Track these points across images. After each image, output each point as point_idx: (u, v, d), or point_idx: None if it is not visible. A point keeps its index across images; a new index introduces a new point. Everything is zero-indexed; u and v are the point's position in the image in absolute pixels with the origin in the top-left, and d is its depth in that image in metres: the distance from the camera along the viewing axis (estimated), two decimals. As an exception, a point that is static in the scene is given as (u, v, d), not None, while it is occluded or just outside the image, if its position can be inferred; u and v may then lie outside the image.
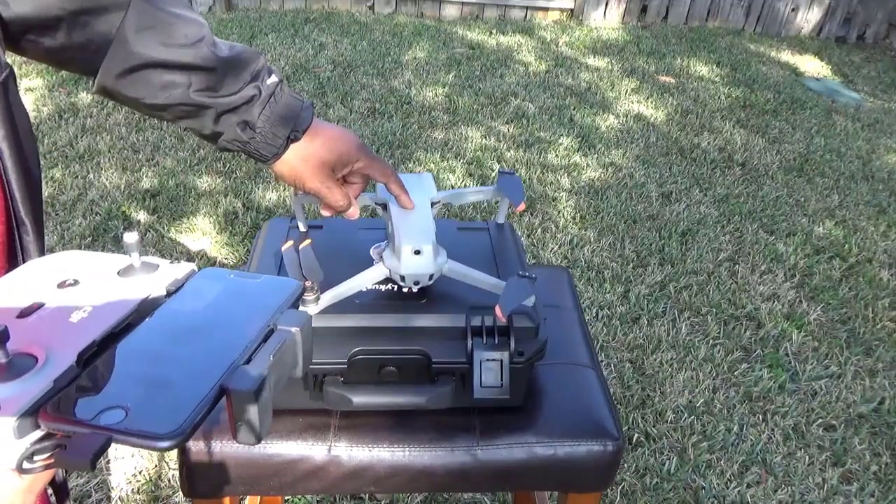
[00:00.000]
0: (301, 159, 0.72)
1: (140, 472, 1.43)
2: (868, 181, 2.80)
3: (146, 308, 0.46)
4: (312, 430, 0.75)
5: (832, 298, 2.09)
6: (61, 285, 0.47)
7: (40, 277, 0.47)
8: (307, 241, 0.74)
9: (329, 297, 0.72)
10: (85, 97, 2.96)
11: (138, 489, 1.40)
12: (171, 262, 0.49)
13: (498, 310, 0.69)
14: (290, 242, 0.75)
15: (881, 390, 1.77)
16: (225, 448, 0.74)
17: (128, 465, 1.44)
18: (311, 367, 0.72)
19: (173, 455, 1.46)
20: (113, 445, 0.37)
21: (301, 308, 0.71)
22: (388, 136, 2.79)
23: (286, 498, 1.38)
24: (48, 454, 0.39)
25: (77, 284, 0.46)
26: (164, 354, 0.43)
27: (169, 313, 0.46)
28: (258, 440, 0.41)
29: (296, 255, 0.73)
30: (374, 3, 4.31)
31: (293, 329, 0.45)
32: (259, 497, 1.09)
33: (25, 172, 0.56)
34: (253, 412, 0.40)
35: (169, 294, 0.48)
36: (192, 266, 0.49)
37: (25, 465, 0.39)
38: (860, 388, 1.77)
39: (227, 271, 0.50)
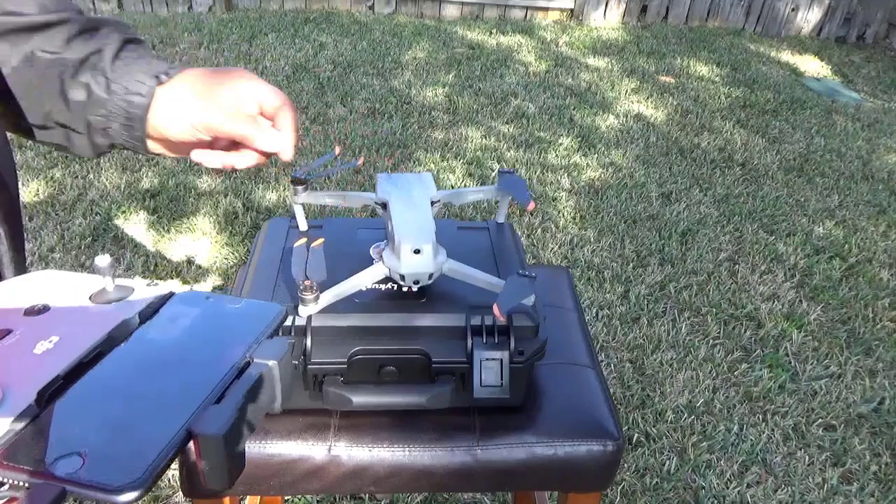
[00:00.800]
0: (180, 98, 0.59)
1: (140, 472, 1.43)
2: (868, 181, 2.80)
3: (118, 336, 0.43)
4: (312, 430, 0.75)
5: (832, 298, 2.09)
6: (29, 312, 0.44)
7: (10, 301, 0.45)
8: (319, 241, 0.74)
9: (329, 296, 0.72)
10: (85, 97, 2.96)
11: (138, 489, 1.40)
12: (149, 284, 0.47)
13: (496, 308, 0.69)
14: (304, 239, 0.75)
15: (881, 390, 1.77)
16: (225, 448, 0.73)
17: (128, 465, 1.44)
18: (311, 366, 0.72)
19: (173, 455, 1.46)
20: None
21: (301, 307, 0.71)
22: (388, 136, 2.79)
23: (286, 498, 1.38)
24: (7, 498, 0.36)
25: (46, 311, 0.44)
26: (130, 390, 0.40)
27: (140, 342, 0.44)
28: (229, 486, 0.39)
29: (305, 253, 0.73)
30: (374, 3, 4.31)
31: (270, 363, 0.42)
32: (259, 497, 1.09)
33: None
34: (222, 457, 0.38)
35: (143, 320, 0.45)
36: (170, 289, 0.47)
37: None
38: (860, 388, 1.77)
39: (206, 294, 0.48)
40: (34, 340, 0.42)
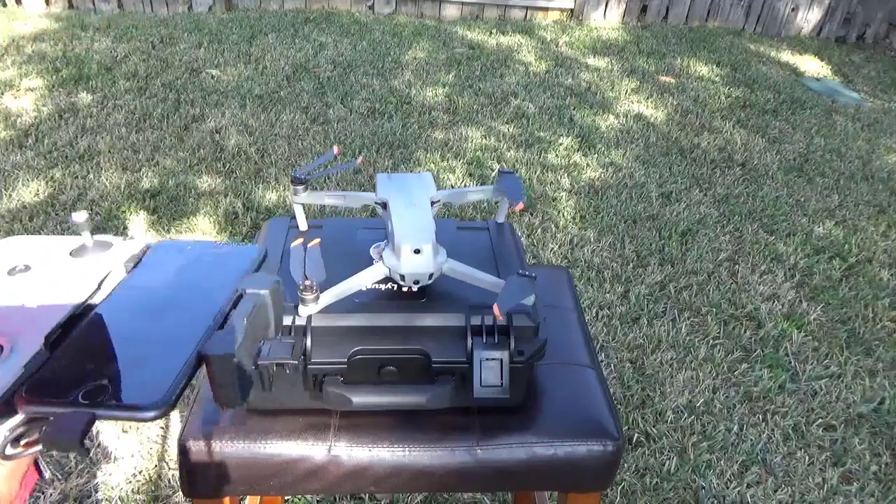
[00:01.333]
0: None
1: (140, 472, 1.43)
2: (868, 181, 2.80)
3: (108, 285, 0.45)
4: (312, 430, 0.75)
5: (832, 298, 2.09)
6: (11, 272, 0.45)
7: None
8: (316, 241, 0.74)
9: (329, 296, 0.72)
10: (85, 97, 2.96)
11: (138, 489, 1.40)
12: (125, 239, 0.49)
13: (496, 308, 0.69)
14: (300, 240, 0.75)
15: (881, 390, 1.77)
16: (225, 448, 0.74)
17: (128, 465, 1.44)
18: (311, 366, 0.72)
19: (173, 455, 1.46)
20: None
21: (301, 307, 0.71)
22: (388, 136, 2.79)
23: (286, 498, 1.38)
24: (32, 438, 0.38)
25: (29, 270, 0.45)
26: (134, 329, 0.42)
27: (132, 289, 0.45)
28: (242, 402, 0.41)
29: (302, 253, 0.73)
30: (374, 3, 4.31)
31: (262, 291, 0.45)
32: (259, 497, 1.09)
33: None
34: (233, 375, 0.40)
35: (128, 270, 0.47)
36: (147, 240, 0.49)
37: (9, 450, 0.38)
38: (860, 388, 1.77)
39: (187, 242, 0.50)
40: (27, 296, 0.43)
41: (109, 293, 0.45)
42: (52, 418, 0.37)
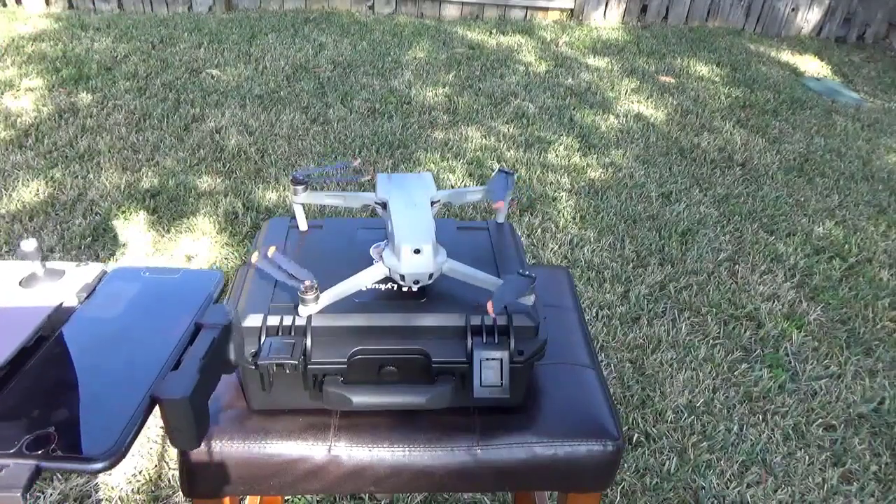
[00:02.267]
0: None
1: (140, 472, 1.43)
2: (868, 181, 2.80)
3: (58, 318, 0.43)
4: (312, 430, 0.75)
5: (832, 298, 2.09)
6: None
7: None
8: (272, 248, 0.74)
9: (328, 296, 0.72)
10: (85, 97, 2.96)
11: (138, 489, 1.40)
12: (78, 266, 0.46)
13: (489, 305, 0.68)
14: (256, 254, 0.74)
15: (881, 390, 1.77)
16: (225, 448, 0.74)
17: (128, 465, 1.44)
18: (311, 366, 0.72)
19: (173, 455, 1.46)
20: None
21: (301, 307, 0.71)
22: (388, 136, 2.79)
23: (286, 498, 1.38)
24: None
25: None
26: (85, 368, 0.40)
27: (84, 321, 0.43)
28: (198, 444, 0.39)
29: (274, 264, 0.73)
30: (374, 3, 4.31)
31: (220, 324, 0.43)
32: (259, 497, 1.09)
33: None
34: (189, 418, 0.38)
35: (81, 301, 0.44)
36: (102, 267, 0.46)
37: None
38: (860, 388, 1.77)
39: (142, 269, 0.48)
40: None
41: (59, 328, 0.42)
42: None
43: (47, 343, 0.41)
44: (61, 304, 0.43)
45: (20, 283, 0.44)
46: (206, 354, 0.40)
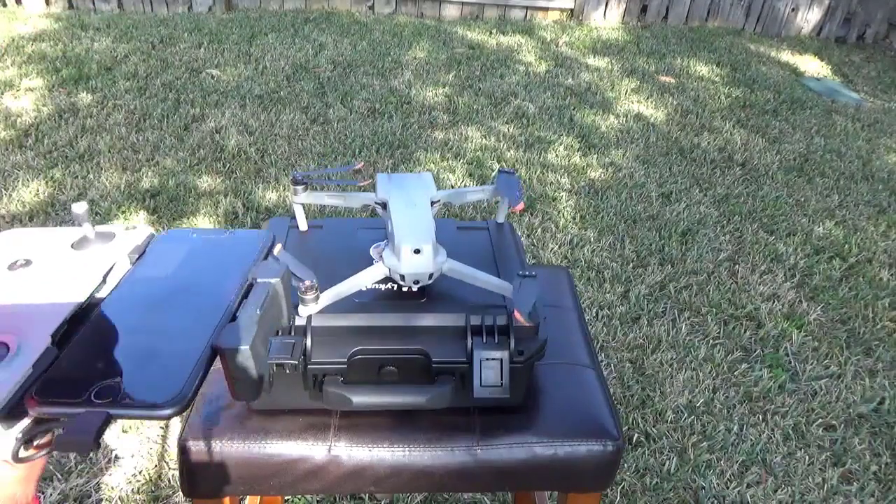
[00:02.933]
0: None
1: (140, 472, 1.43)
2: (868, 181, 2.80)
3: (112, 278, 0.44)
4: (312, 430, 0.75)
5: (832, 298, 2.09)
6: (12, 267, 0.44)
7: None
8: (278, 247, 0.74)
9: (329, 296, 0.72)
10: (85, 97, 2.96)
11: (138, 489, 1.40)
12: (127, 229, 0.47)
13: (517, 314, 0.69)
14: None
15: (881, 390, 1.77)
16: (225, 448, 0.74)
17: (128, 465, 1.44)
18: (311, 366, 0.72)
19: (173, 455, 1.46)
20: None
21: (301, 307, 0.71)
22: (388, 136, 2.79)
23: (286, 498, 1.38)
24: (45, 440, 0.37)
25: (30, 265, 0.44)
26: (144, 324, 0.41)
27: (138, 281, 0.44)
28: (257, 395, 0.40)
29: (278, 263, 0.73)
30: (374, 3, 4.31)
31: (273, 280, 0.43)
32: (259, 497, 1.09)
33: None
34: (250, 367, 0.39)
35: (133, 262, 0.46)
36: (150, 230, 0.47)
37: (22, 453, 0.37)
38: (860, 388, 1.77)
39: (191, 230, 0.48)
40: (29, 291, 0.42)
41: (115, 286, 0.44)
42: (65, 419, 0.36)
43: (104, 301, 0.42)
44: (114, 265, 0.44)
45: (72, 246, 0.45)
46: (262, 306, 0.41)
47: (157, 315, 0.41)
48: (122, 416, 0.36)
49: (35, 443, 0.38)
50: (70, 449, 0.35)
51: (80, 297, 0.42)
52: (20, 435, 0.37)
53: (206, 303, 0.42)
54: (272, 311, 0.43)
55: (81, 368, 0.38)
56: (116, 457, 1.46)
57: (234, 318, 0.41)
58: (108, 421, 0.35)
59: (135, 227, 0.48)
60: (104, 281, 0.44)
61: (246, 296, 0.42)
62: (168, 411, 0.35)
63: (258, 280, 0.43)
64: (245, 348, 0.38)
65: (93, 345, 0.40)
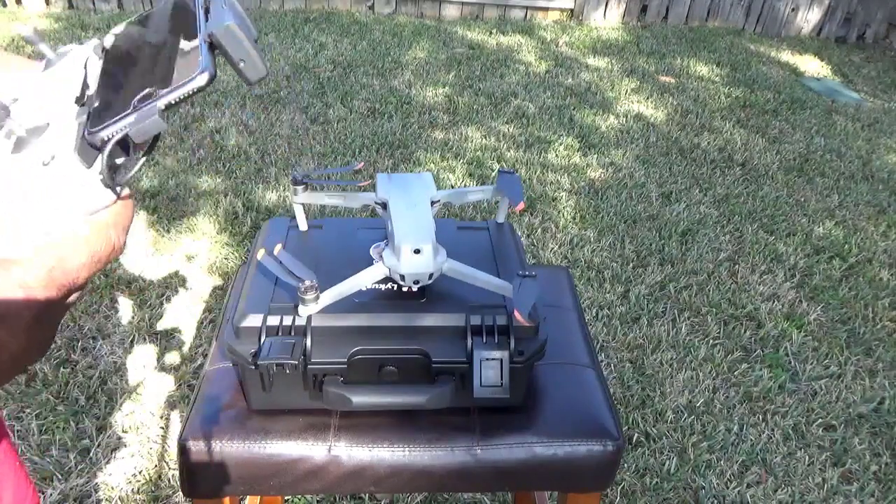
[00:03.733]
0: None
1: (140, 472, 1.43)
2: (868, 181, 2.80)
3: (92, 69, 0.48)
4: (312, 430, 0.75)
5: (832, 298, 2.09)
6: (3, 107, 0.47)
7: None
8: (278, 246, 0.74)
9: (329, 296, 0.72)
10: (85, 97, 2.96)
11: (138, 489, 1.40)
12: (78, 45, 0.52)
13: (517, 314, 0.69)
14: (262, 251, 0.75)
15: (881, 390, 1.77)
16: (225, 448, 0.74)
17: (128, 465, 1.44)
18: (311, 366, 0.72)
19: (173, 455, 1.46)
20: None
21: (301, 307, 0.71)
22: (388, 136, 2.79)
23: (286, 498, 1.38)
24: (122, 158, 0.43)
25: (16, 101, 0.46)
26: (143, 69, 0.46)
27: (115, 56, 0.49)
28: (265, 70, 0.44)
29: (277, 262, 0.73)
30: (374, 3, 4.31)
31: None
32: (259, 497, 1.09)
33: None
34: (247, 43, 0.43)
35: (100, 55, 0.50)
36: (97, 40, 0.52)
37: (118, 182, 0.43)
38: (860, 388, 1.77)
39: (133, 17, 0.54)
40: (39, 99, 0.45)
41: (108, 40, 0.49)
42: (128, 126, 0.41)
43: (105, 53, 0.49)
44: (87, 59, 0.49)
45: (44, 71, 0.49)
46: (227, 2, 0.46)
47: (145, 64, 0.47)
48: (174, 97, 0.41)
49: (119, 160, 0.43)
50: (147, 133, 0.41)
51: (77, 85, 0.46)
52: (102, 166, 0.42)
53: (181, 26, 0.47)
54: (238, 8, 0.47)
55: (116, 96, 0.44)
56: (116, 457, 1.46)
57: (206, 13, 0.45)
58: (167, 102, 0.41)
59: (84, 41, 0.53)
60: (84, 71, 0.47)
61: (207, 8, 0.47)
62: (206, 76, 0.40)
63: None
64: (232, 24, 0.43)
65: (112, 89, 0.45)
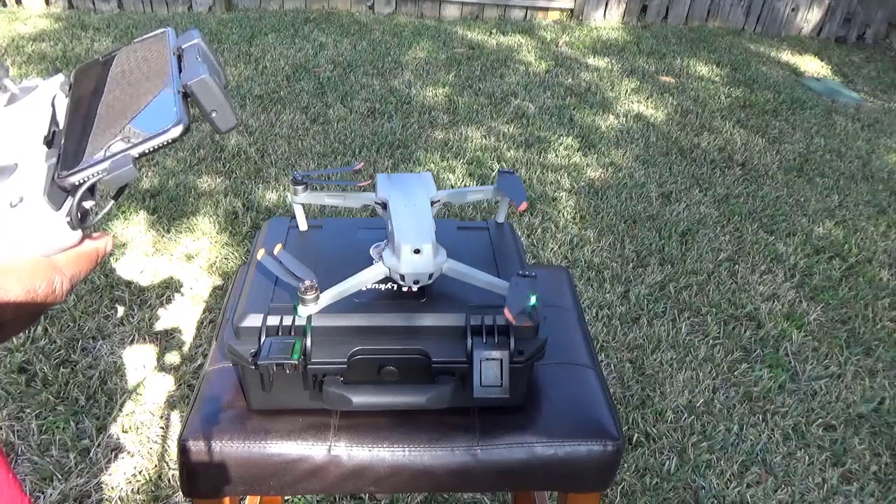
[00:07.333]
0: None
1: (140, 472, 1.43)
2: (868, 181, 2.80)
3: (59, 104, 0.48)
4: (312, 430, 0.75)
5: (832, 298, 2.09)
6: None
7: None
8: (279, 246, 0.74)
9: (329, 296, 0.72)
10: (85, 97, 2.96)
11: (138, 489, 1.40)
12: (44, 78, 0.52)
13: (507, 312, 0.69)
14: (262, 251, 0.75)
15: (881, 390, 1.77)
16: (225, 448, 0.74)
17: (128, 465, 1.44)
18: (311, 366, 0.72)
19: (173, 455, 1.46)
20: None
21: (301, 307, 0.71)
22: (388, 136, 2.79)
23: (286, 498, 1.38)
24: (91, 202, 0.43)
25: None
26: (115, 107, 0.46)
27: (80, 98, 0.49)
28: (236, 120, 0.45)
29: (277, 262, 0.73)
30: (374, 3, 4.31)
31: (195, 41, 0.49)
32: (259, 497, 1.09)
33: None
34: (220, 94, 0.45)
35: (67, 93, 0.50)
36: (62, 76, 0.52)
37: (86, 225, 0.44)
38: (860, 388, 1.77)
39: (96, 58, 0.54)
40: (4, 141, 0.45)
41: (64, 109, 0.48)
42: (101, 173, 0.42)
43: (70, 93, 0.49)
44: (54, 96, 0.48)
45: (7, 105, 0.48)
46: (199, 54, 0.47)
47: (119, 100, 0.47)
48: (145, 146, 0.41)
49: (87, 204, 0.44)
50: (119, 181, 0.42)
51: (45, 124, 0.46)
52: (70, 208, 0.43)
53: (153, 75, 0.47)
54: (211, 59, 0.48)
55: (86, 140, 0.44)
56: (116, 457, 1.46)
57: (179, 68, 0.46)
58: (134, 152, 0.41)
59: (49, 77, 0.53)
60: (53, 108, 0.47)
61: (181, 59, 0.48)
62: (179, 128, 0.41)
63: (183, 47, 0.49)
64: (208, 76, 0.44)
65: (83, 123, 0.45)
